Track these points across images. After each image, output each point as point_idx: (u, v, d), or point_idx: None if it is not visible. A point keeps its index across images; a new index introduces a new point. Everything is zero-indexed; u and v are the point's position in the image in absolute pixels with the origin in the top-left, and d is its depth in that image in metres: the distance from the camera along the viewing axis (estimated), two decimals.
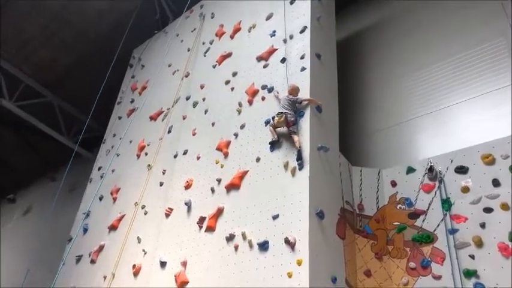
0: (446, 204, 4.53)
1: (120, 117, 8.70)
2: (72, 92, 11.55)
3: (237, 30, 6.94)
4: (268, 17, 6.43)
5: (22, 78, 10.96)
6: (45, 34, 10.14)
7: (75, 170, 7.85)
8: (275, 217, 4.38)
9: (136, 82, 9.01)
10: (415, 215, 4.73)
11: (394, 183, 5.10)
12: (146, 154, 7.07)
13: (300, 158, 4.52)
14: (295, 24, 5.88)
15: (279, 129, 4.92)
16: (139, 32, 9.40)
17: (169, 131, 6.90)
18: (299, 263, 3.91)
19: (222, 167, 5.43)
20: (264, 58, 6.00)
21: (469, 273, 4.03)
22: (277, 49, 5.88)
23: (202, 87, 6.84)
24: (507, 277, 3.84)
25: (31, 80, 11.13)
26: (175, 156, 6.32)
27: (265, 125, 5.21)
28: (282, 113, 4.85)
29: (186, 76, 7.45)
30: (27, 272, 7.50)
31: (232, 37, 6.98)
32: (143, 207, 6.22)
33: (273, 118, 4.94)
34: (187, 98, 6.99)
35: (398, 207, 4.91)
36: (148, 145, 7.18)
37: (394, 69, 6.69)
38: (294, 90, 5.05)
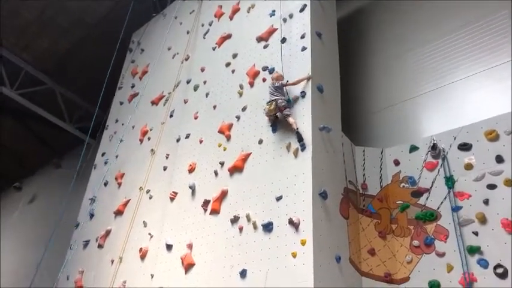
0: (450, 181, 4.52)
1: (121, 103, 8.68)
2: (73, 78, 11.51)
3: (235, 10, 6.84)
4: None
5: (22, 66, 10.92)
6: (42, 20, 10.05)
7: (79, 156, 7.87)
8: (279, 198, 4.40)
9: (136, 67, 8.95)
10: (418, 193, 4.73)
11: (397, 162, 5.09)
12: (149, 139, 7.07)
13: (300, 139, 4.52)
14: (294, 2, 5.77)
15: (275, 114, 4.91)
16: (138, 15, 9.27)
17: (171, 115, 6.89)
18: (303, 243, 3.95)
19: (224, 149, 5.44)
20: (264, 38, 5.92)
21: (473, 250, 4.05)
22: (277, 29, 5.80)
23: (202, 70, 6.79)
24: (510, 253, 3.85)
25: (31, 68, 11.09)
26: (178, 140, 6.33)
27: None
28: (271, 101, 4.83)
29: (186, 59, 7.39)
30: (39, 264, 7.63)
31: (231, 18, 6.88)
32: (148, 191, 6.27)
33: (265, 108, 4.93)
34: (188, 82, 6.95)
35: (401, 186, 4.91)
36: (150, 130, 7.19)
37: (396, 47, 6.59)
38: (280, 77, 5.05)
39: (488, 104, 5.05)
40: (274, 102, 4.78)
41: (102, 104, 8.23)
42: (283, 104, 4.78)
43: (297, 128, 4.57)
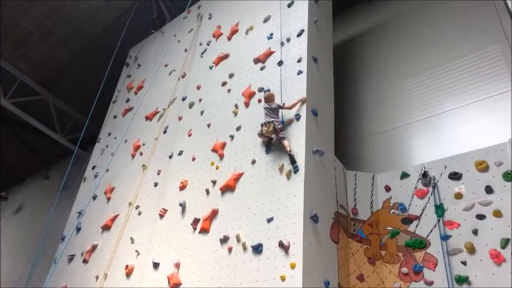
0: (440, 210, 4.55)
1: (115, 117, 8.67)
2: (67, 89, 11.51)
3: (234, 31, 6.95)
4: (266, 19, 6.44)
5: (17, 75, 10.89)
6: (41, 31, 10.09)
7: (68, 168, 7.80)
8: (269, 220, 4.38)
9: (132, 81, 8.99)
10: (408, 220, 4.76)
11: (388, 188, 5.13)
12: (141, 154, 7.04)
13: (293, 161, 4.53)
14: (292, 27, 5.89)
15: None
16: (136, 31, 9.37)
17: (164, 131, 6.88)
18: (292, 266, 3.92)
19: (217, 168, 5.43)
20: (261, 60, 6.00)
21: (461, 280, 4.06)
22: (274, 52, 5.88)
23: (198, 88, 6.84)
24: (498, 284, 3.87)
25: (26, 77, 11.06)
26: (170, 157, 6.31)
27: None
28: (269, 122, 4.84)
29: (183, 77, 7.44)
30: (22, 276, 7.45)
31: (229, 38, 6.98)
32: (137, 207, 6.20)
33: (262, 127, 4.90)
34: (184, 99, 6.98)
35: (391, 212, 4.93)
36: (143, 145, 7.16)
37: (390, 74, 6.73)
38: (270, 97, 5.08)
39: (479, 135, 5.14)
40: (272, 124, 4.80)
41: (96, 117, 8.22)
42: (279, 126, 4.81)
43: (290, 151, 4.60)
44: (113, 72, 8.79)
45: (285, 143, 4.69)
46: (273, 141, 4.94)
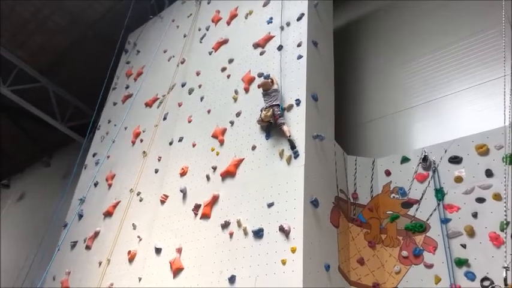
0: (440, 193, 4.57)
1: (115, 103, 8.64)
2: (66, 77, 11.44)
3: (233, 16, 6.88)
4: (265, 4, 6.37)
5: (16, 63, 10.83)
6: (38, 18, 9.99)
7: (69, 155, 7.82)
8: (270, 205, 4.41)
9: (131, 68, 8.93)
10: (408, 204, 4.78)
11: (388, 173, 5.13)
12: (141, 141, 7.04)
13: (293, 146, 4.54)
14: (292, 11, 5.83)
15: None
16: (135, 17, 9.27)
17: (164, 118, 6.87)
18: (293, 250, 3.95)
19: (217, 154, 5.43)
20: (260, 45, 5.96)
21: (461, 262, 4.09)
22: (274, 36, 5.83)
23: (198, 74, 6.80)
24: (497, 266, 3.88)
25: (25, 65, 11.00)
26: (170, 143, 6.31)
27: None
28: (268, 107, 4.87)
29: (182, 62, 7.39)
30: (25, 263, 7.53)
31: (228, 23, 6.91)
32: (138, 193, 6.23)
33: (262, 111, 4.93)
34: (183, 85, 6.95)
35: (391, 197, 4.95)
36: (143, 132, 7.16)
37: (390, 58, 6.67)
38: (266, 85, 5.08)
39: (480, 119, 5.12)
40: (271, 110, 4.82)
41: (95, 104, 8.20)
42: (279, 112, 4.82)
43: (289, 136, 4.60)
44: (112, 58, 8.73)
45: (285, 128, 4.69)
46: (272, 126, 4.93)
